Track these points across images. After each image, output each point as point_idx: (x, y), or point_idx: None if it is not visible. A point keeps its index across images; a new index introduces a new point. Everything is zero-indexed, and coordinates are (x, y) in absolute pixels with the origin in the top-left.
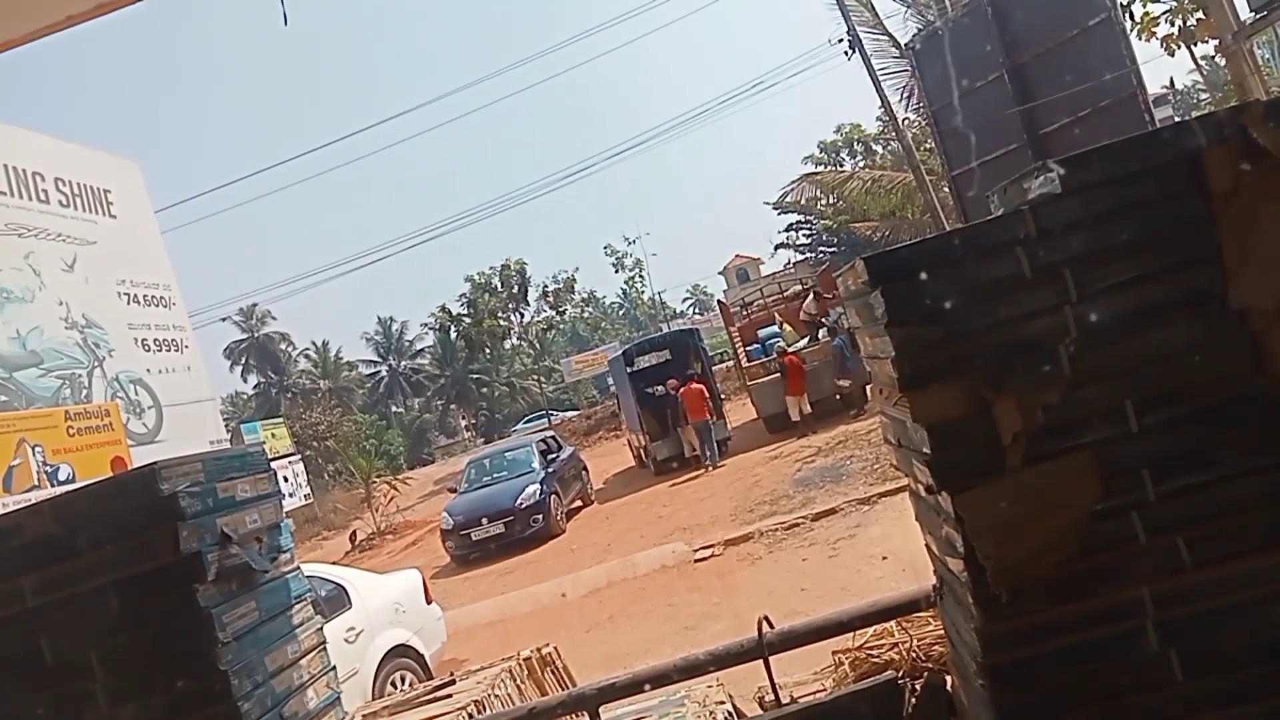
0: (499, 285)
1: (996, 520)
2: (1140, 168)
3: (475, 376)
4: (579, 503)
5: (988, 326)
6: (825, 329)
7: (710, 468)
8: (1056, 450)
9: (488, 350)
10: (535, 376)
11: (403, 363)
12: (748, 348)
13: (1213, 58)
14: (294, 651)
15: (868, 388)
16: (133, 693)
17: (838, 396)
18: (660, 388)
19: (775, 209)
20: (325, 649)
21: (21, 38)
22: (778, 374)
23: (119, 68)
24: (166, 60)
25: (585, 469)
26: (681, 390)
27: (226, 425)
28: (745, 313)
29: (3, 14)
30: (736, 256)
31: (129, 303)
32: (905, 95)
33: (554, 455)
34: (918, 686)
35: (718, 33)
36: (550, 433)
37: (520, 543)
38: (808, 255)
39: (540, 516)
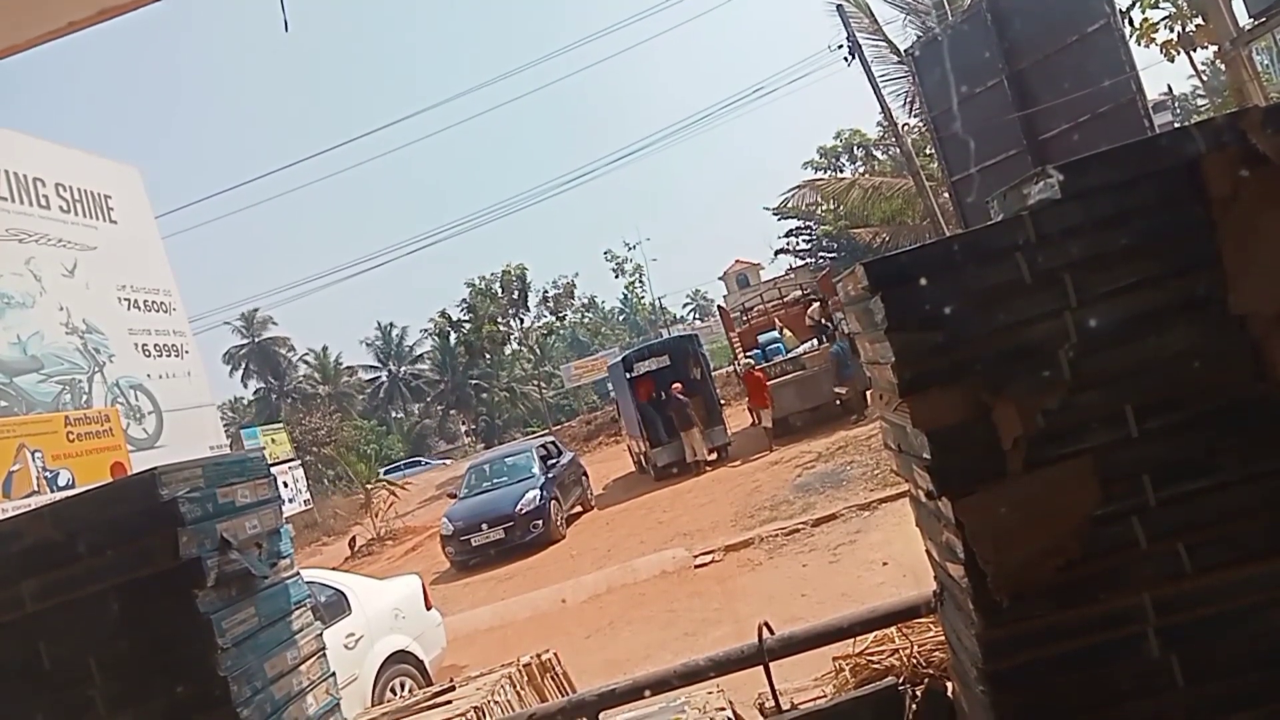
0: (499, 290)
1: (997, 525)
2: (1139, 173)
3: (475, 382)
4: (579, 508)
5: (988, 332)
6: (825, 333)
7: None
8: (1057, 455)
9: (488, 356)
10: (535, 382)
11: (403, 368)
12: (748, 353)
13: (1212, 63)
14: (293, 657)
15: (868, 393)
16: (132, 698)
17: (838, 402)
18: (660, 393)
19: (775, 214)
20: (325, 655)
21: (23, 44)
22: (779, 379)
23: (120, 73)
24: (167, 66)
25: (585, 474)
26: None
27: (226, 430)
28: (745, 318)
29: (4, 20)
30: (737, 262)
31: (129, 308)
32: (905, 101)
33: (554, 461)
34: (918, 693)
35: (718, 38)
36: (550, 438)
37: (520, 548)
38: (808, 260)
39: (540, 522)
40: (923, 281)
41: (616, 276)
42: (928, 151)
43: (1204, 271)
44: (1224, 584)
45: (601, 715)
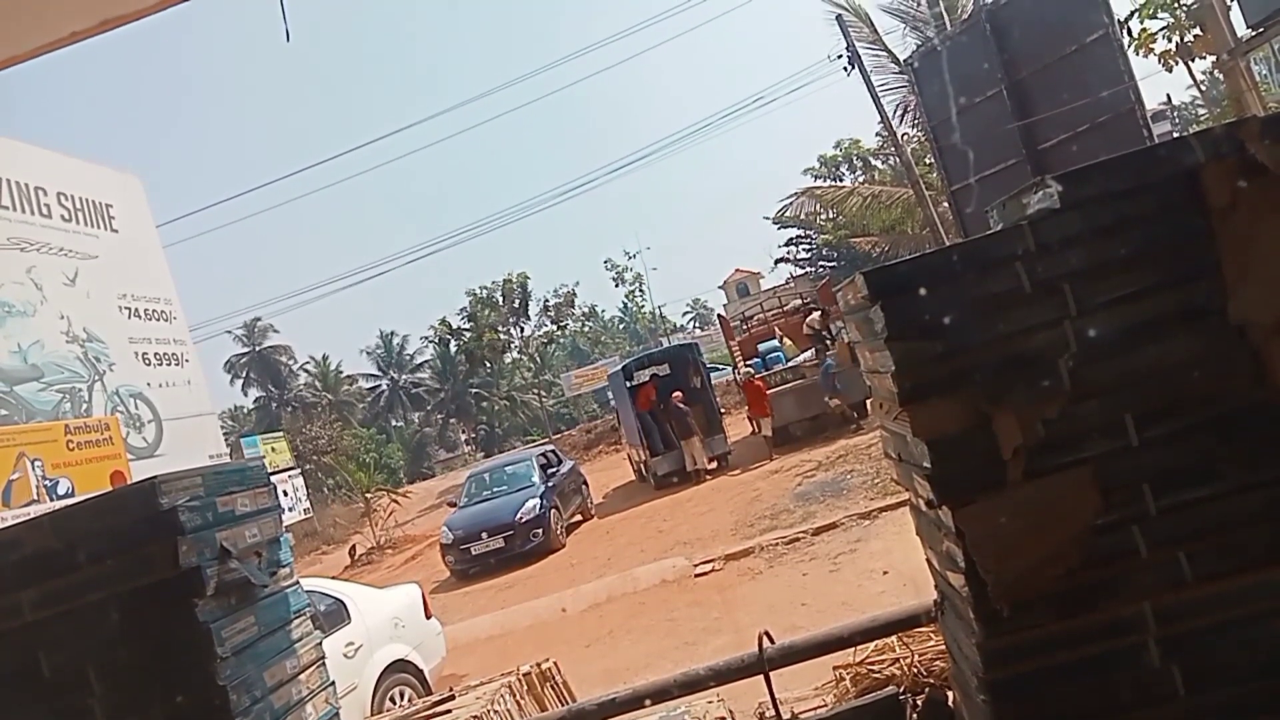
0: (500, 299)
1: (997, 535)
2: (1138, 183)
3: (475, 391)
4: (579, 517)
5: (987, 341)
6: (823, 343)
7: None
8: (1057, 464)
9: (488, 364)
10: (535, 391)
11: (403, 377)
12: (748, 361)
13: (1211, 73)
14: (293, 666)
15: (868, 402)
16: (131, 707)
17: (838, 413)
18: (660, 403)
19: (775, 223)
20: (324, 664)
21: (25, 54)
22: (779, 387)
23: (121, 83)
24: (169, 76)
25: (585, 483)
26: None
27: (226, 439)
28: (745, 327)
29: (6, 30)
30: (736, 271)
31: (130, 317)
32: (904, 111)
33: (554, 469)
34: (919, 702)
35: (718, 48)
36: (550, 446)
37: (520, 557)
38: (807, 270)
39: (540, 531)
40: (922, 291)
41: (617, 285)
42: (927, 161)
43: (1203, 281)
44: (1225, 593)
45: None
